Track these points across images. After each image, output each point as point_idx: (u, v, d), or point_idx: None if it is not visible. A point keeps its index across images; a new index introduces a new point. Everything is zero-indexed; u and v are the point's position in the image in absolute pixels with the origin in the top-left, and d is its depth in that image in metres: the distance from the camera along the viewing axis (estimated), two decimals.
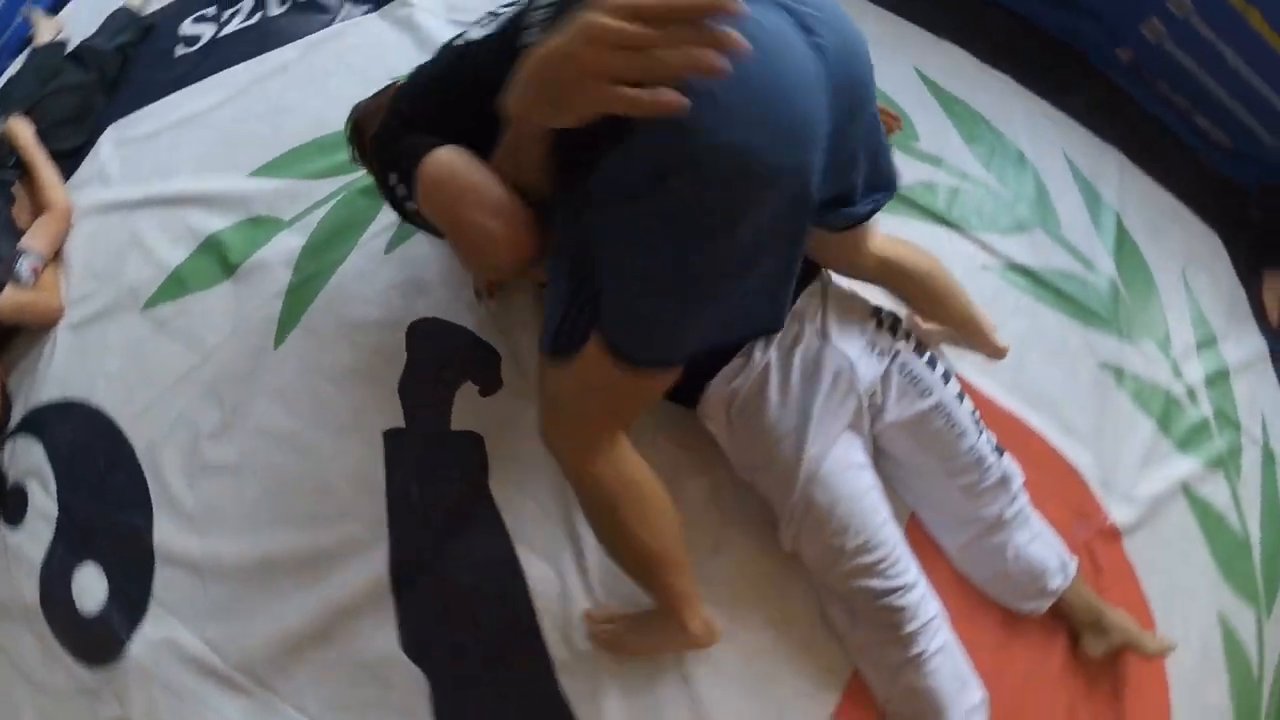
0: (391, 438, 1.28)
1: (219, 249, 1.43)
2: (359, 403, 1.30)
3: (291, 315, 1.36)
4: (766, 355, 1.08)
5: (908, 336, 1.19)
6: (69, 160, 1.64)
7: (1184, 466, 1.50)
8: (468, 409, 1.27)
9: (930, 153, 1.72)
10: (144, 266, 1.48)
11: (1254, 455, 1.66)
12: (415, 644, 1.19)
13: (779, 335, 1.09)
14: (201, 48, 1.71)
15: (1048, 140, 1.92)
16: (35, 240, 1.50)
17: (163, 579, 1.30)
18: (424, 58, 1.60)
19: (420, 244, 1.39)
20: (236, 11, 1.73)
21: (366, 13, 1.67)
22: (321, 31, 1.65)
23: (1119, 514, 1.38)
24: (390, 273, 1.37)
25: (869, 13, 1.78)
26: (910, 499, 1.20)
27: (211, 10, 1.77)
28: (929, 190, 1.62)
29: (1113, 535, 1.37)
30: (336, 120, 1.50)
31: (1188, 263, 1.89)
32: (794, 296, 1.09)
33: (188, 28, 1.76)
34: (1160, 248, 1.87)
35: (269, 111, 1.56)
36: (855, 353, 1.12)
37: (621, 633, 1.10)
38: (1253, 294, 1.96)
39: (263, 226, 1.43)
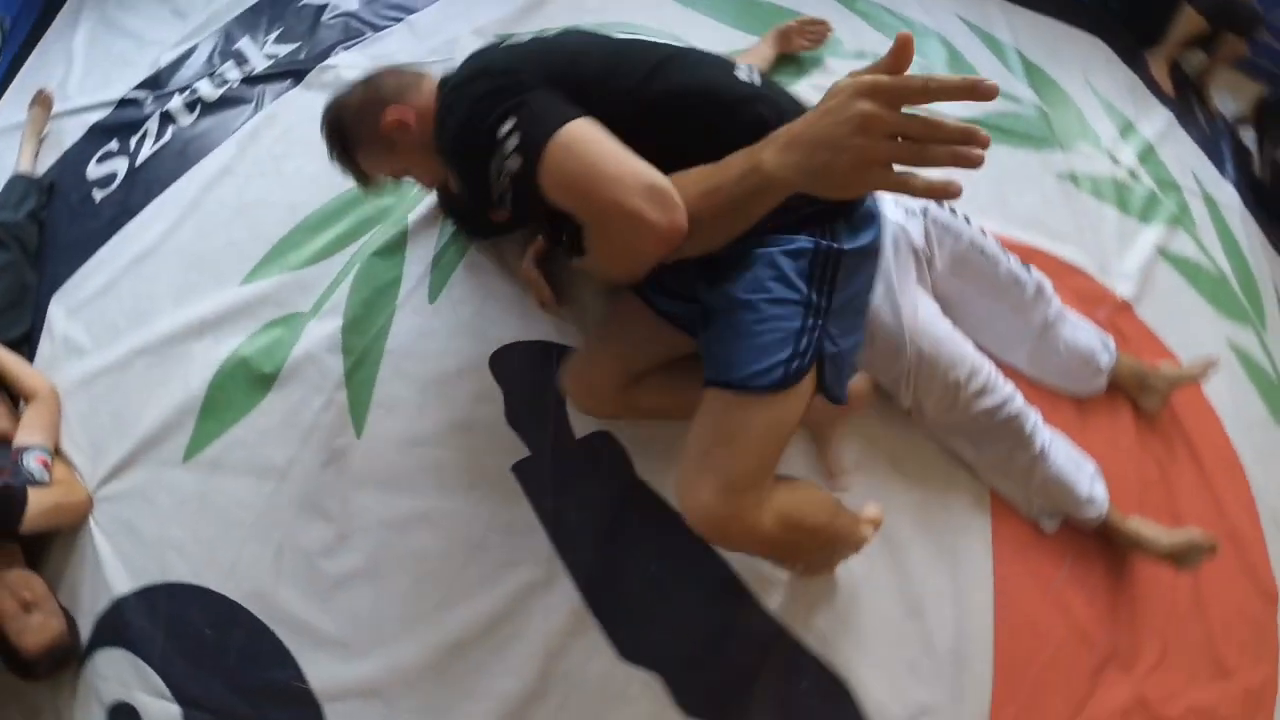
0: (523, 469, 1.21)
1: (245, 366, 1.30)
2: (474, 452, 1.23)
3: (361, 398, 1.26)
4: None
5: None
6: (20, 350, 1.44)
7: (1152, 234, 1.75)
8: (577, 412, 1.22)
9: (854, 50, 1.84)
10: (164, 420, 1.32)
11: (1198, 205, 1.95)
12: (634, 648, 1.16)
13: None
14: (121, 183, 1.55)
15: (939, 8, 2.08)
16: (30, 435, 1.31)
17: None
18: None
19: (460, 281, 1.33)
20: (143, 136, 1.59)
21: (289, 88, 1.57)
22: (249, 123, 1.54)
23: (1122, 289, 1.61)
24: (447, 319, 1.30)
25: None
26: (971, 333, 1.29)
27: (114, 145, 1.61)
28: None
29: (1125, 308, 1.59)
30: (309, 199, 1.43)
31: (1086, 70, 2.14)
32: None
33: (96, 170, 1.59)
34: (1060, 66, 2.10)
35: (234, 215, 1.44)
36: (900, 217, 1.24)
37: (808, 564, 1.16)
38: (1143, 76, 2.26)
39: (286, 325, 1.32)
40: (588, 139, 0.79)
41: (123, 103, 1.67)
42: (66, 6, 2.01)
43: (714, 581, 1.19)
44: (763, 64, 1.49)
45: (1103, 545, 1.32)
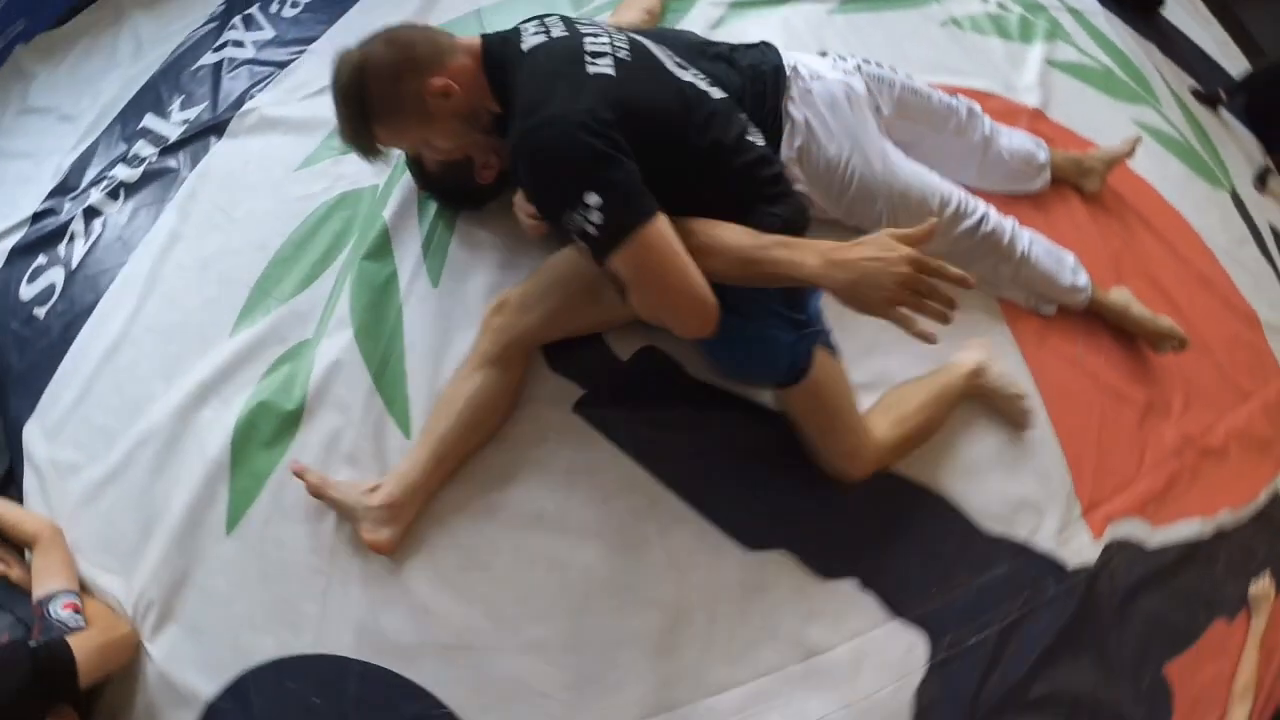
0: (585, 408, 1.14)
1: (266, 411, 1.19)
2: (529, 411, 1.15)
3: (397, 398, 1.18)
4: (801, 112, 1.23)
5: (850, 56, 1.41)
6: (7, 494, 1.29)
7: (1037, 50, 1.91)
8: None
9: None
10: (192, 500, 1.19)
11: (1066, 17, 2.13)
12: (754, 536, 1.13)
13: (795, 94, 1.23)
14: (62, 292, 1.42)
15: None
16: (48, 582, 1.16)
17: None
18: (306, 141, 1.51)
19: (457, 258, 1.27)
20: (70, 239, 1.47)
21: (214, 143, 1.49)
22: (183, 186, 1.45)
23: (1030, 100, 1.75)
24: (456, 296, 1.23)
25: None
26: (929, 166, 1.35)
27: (41, 259, 1.48)
28: None
29: (1038, 114, 1.74)
30: (273, 234, 1.35)
31: None
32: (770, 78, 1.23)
33: (30, 290, 1.45)
34: None
35: (199, 274, 1.34)
36: (841, 76, 1.31)
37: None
38: None
39: (296, 357, 1.22)
40: (663, 246, 0.88)
41: (36, 217, 1.55)
42: None
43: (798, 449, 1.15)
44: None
45: (1098, 320, 1.44)
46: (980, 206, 1.33)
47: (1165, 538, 1.35)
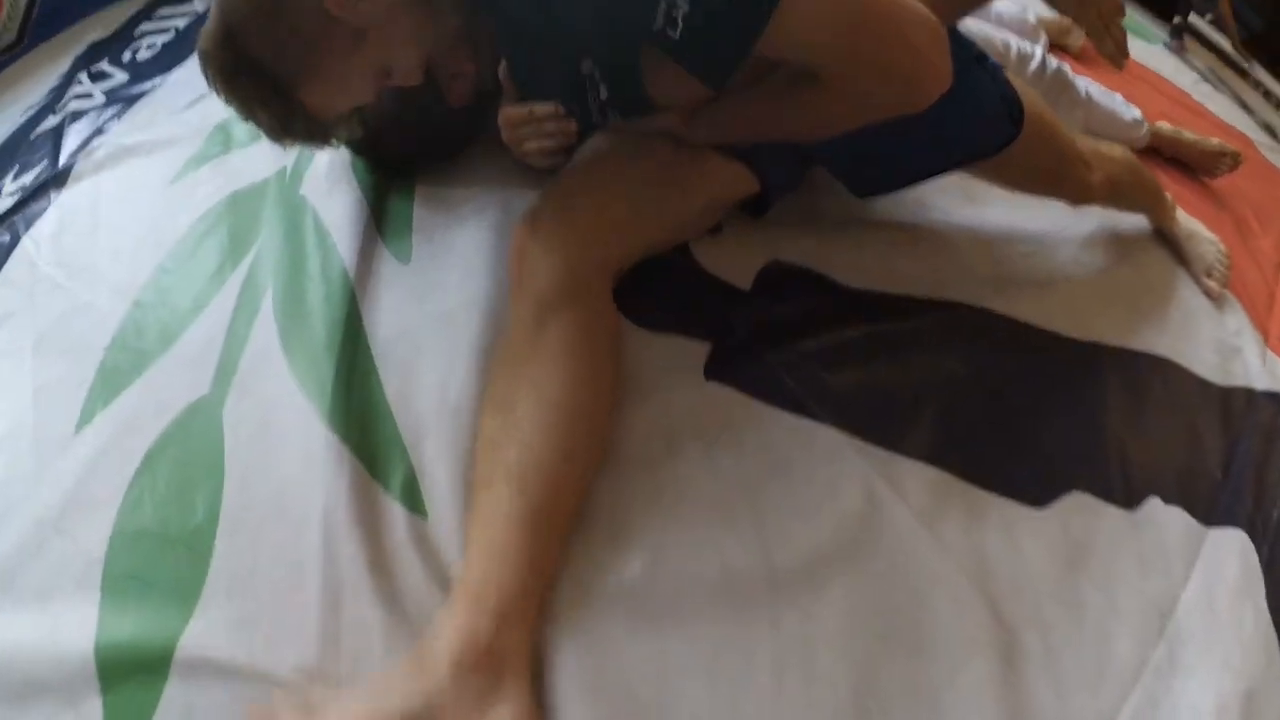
0: (718, 367, 0.68)
1: (145, 553, 0.62)
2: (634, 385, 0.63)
3: (381, 450, 0.63)
4: None
5: None
6: None
7: None
8: None
9: None
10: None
11: None
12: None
13: None
14: None
15: None
16: None
17: None
18: (177, 152, 0.99)
19: (428, 220, 0.80)
20: None
21: (53, 198, 1.01)
22: (12, 255, 0.95)
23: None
24: (444, 264, 0.74)
25: None
26: None
27: None
28: None
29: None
30: (140, 269, 0.84)
31: None
32: None
33: None
34: None
35: (28, 363, 0.79)
36: None
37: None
38: None
39: (187, 429, 0.67)
40: None
41: None
42: None
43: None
44: None
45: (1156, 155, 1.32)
46: (1037, 48, 1.28)
47: None
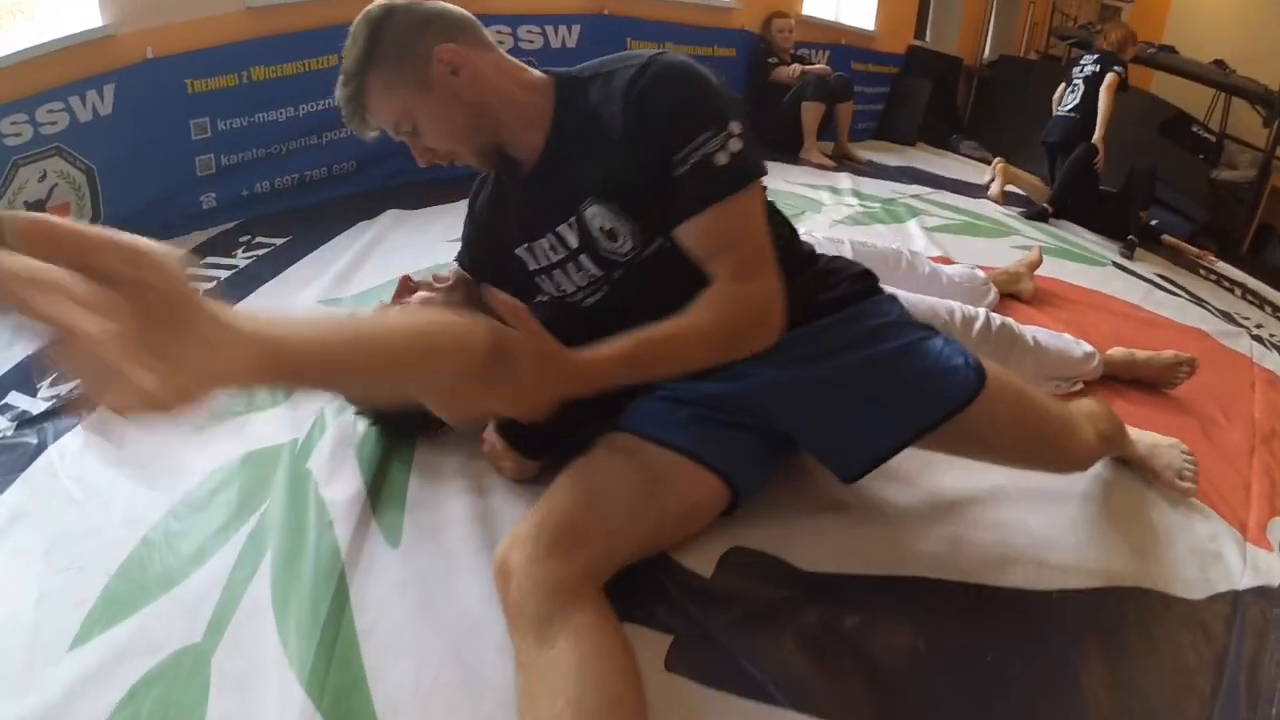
0: (679, 658, 0.80)
1: None
2: None
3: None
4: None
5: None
6: None
7: (913, 224, 2.54)
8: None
9: None
10: None
11: (914, 201, 2.99)
12: None
13: None
14: None
15: None
16: None
17: None
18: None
19: (420, 503, 1.00)
20: None
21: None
22: (36, 461, 1.09)
23: (933, 253, 2.11)
24: (429, 552, 0.93)
25: None
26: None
27: None
28: None
29: (945, 260, 2.07)
30: (152, 508, 1.01)
31: (780, 178, 2.75)
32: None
33: None
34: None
35: (39, 564, 0.91)
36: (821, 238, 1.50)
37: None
38: (811, 165, 3.35)
39: (172, 674, 0.79)
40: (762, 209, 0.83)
41: None
42: None
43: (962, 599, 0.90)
44: None
45: (1112, 381, 1.45)
46: (980, 309, 1.34)
47: None
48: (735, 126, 0.78)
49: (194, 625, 0.85)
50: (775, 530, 0.95)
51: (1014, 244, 2.46)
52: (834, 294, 0.92)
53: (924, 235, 2.33)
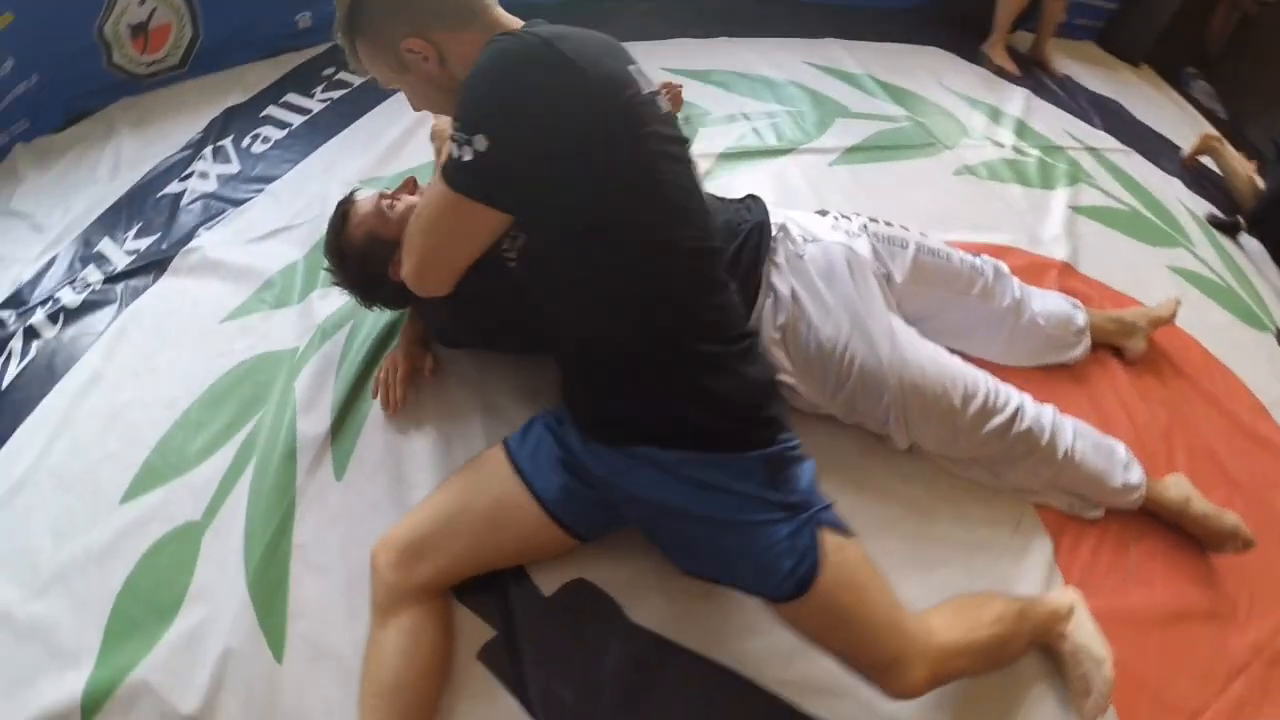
0: (491, 653, 0.97)
1: (137, 599, 1.06)
2: None
3: (274, 612, 1.05)
4: (788, 282, 1.04)
5: (855, 215, 1.19)
6: None
7: (1060, 196, 1.80)
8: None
9: (724, 116, 1.83)
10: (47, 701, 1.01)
11: (1086, 157, 2.03)
12: None
13: (782, 260, 1.05)
14: None
15: (787, 61, 2.10)
16: None
17: None
18: (238, 290, 1.43)
19: (368, 446, 1.16)
20: (7, 357, 1.39)
21: (153, 281, 1.44)
22: (115, 323, 1.38)
23: (1057, 253, 1.61)
24: (362, 494, 1.11)
25: None
26: (953, 343, 1.17)
27: None
28: (756, 135, 1.76)
29: (1067, 268, 1.58)
30: (185, 393, 1.26)
31: (938, 76, 2.20)
32: (750, 238, 1.08)
33: None
34: (913, 79, 2.16)
35: (107, 424, 1.24)
36: (842, 238, 1.11)
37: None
38: (988, 67, 2.40)
39: (183, 540, 1.11)
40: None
41: None
42: None
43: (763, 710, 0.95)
44: None
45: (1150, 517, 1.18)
46: (1013, 398, 1.07)
47: None
48: (480, 142, 0.75)
49: (197, 505, 1.14)
50: (626, 575, 1.01)
51: (1173, 262, 1.76)
52: (718, 427, 0.83)
53: (1065, 217, 1.72)
